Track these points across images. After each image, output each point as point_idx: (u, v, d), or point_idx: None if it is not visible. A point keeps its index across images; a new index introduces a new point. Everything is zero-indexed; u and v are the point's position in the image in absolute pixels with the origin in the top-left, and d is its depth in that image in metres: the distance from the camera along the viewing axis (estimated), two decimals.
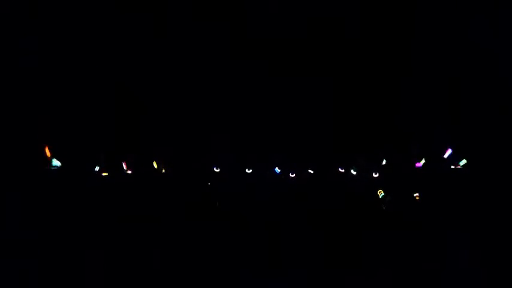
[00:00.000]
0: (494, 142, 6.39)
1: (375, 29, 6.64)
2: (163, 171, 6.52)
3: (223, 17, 6.62)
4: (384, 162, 6.54)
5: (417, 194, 6.40)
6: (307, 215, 6.36)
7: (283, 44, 6.65)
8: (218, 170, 6.56)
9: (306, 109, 6.69)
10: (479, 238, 6.01)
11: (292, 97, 6.69)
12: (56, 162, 6.35)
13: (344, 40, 6.67)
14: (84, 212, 6.22)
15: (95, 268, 5.87)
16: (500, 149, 6.36)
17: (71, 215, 6.19)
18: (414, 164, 6.48)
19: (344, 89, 6.68)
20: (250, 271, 5.90)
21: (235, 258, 6.02)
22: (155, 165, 6.51)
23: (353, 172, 6.54)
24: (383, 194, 6.40)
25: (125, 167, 6.50)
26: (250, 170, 6.58)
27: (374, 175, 6.51)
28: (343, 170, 6.55)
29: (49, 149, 6.31)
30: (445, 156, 6.43)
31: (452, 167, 6.44)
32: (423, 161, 6.49)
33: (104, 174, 6.44)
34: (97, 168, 6.44)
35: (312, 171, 6.57)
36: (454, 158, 6.46)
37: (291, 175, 6.58)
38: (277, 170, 6.55)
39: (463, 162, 6.41)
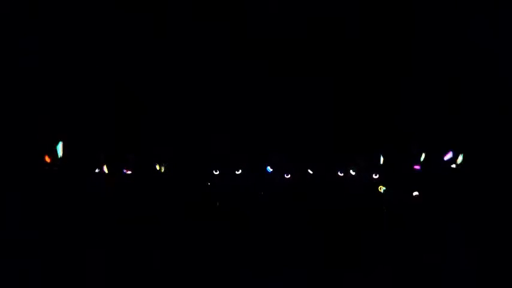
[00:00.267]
0: (494, 142, 6.39)
1: (374, 29, 6.64)
2: (163, 169, 6.52)
3: (223, 17, 6.62)
4: (384, 162, 6.54)
5: (416, 193, 6.40)
6: (307, 215, 6.36)
7: (283, 44, 6.65)
8: (218, 171, 6.56)
9: (306, 109, 6.68)
10: (479, 237, 6.02)
11: (292, 97, 6.68)
12: (59, 150, 6.34)
13: (344, 40, 6.67)
14: (84, 212, 6.22)
15: (96, 268, 5.87)
16: (500, 149, 6.36)
17: (71, 215, 6.19)
18: (413, 165, 6.47)
19: (344, 89, 6.67)
20: (250, 271, 5.90)
21: (235, 258, 6.02)
22: (158, 167, 6.51)
23: (353, 172, 6.54)
24: (384, 189, 6.40)
25: (125, 167, 6.50)
26: (250, 170, 6.58)
27: (373, 175, 6.51)
28: (343, 171, 6.55)
29: (49, 156, 6.33)
30: (445, 158, 6.43)
31: (452, 166, 6.44)
32: (422, 160, 6.48)
33: (105, 171, 6.44)
34: (97, 169, 6.44)
35: (312, 171, 6.57)
36: (453, 158, 6.46)
37: (290, 174, 6.58)
38: (268, 169, 6.55)
39: (460, 159, 6.41)
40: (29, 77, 6.46)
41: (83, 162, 6.44)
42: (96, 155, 6.47)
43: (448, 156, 6.43)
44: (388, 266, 5.95)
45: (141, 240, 6.07)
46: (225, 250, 6.08)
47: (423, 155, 6.49)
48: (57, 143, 6.32)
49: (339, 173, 6.54)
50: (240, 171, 6.57)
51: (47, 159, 6.31)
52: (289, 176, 6.56)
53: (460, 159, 6.42)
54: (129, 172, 6.51)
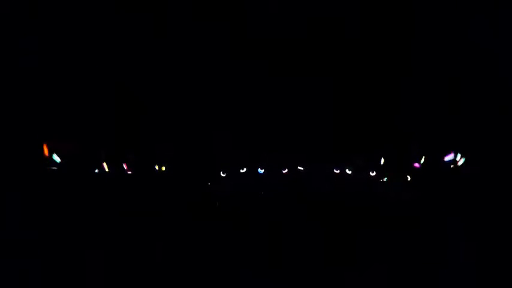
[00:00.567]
0: (494, 142, 6.39)
1: (374, 29, 6.64)
2: (163, 168, 6.52)
3: (223, 17, 6.62)
4: (383, 162, 6.54)
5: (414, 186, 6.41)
6: (308, 215, 6.36)
7: (283, 44, 6.65)
8: (218, 170, 6.56)
9: (306, 109, 6.68)
10: (478, 237, 6.02)
11: (292, 97, 6.68)
12: (56, 158, 6.35)
13: (344, 40, 6.67)
14: (85, 212, 6.22)
15: (96, 268, 5.87)
16: (500, 149, 6.36)
17: (71, 214, 6.19)
18: (413, 164, 6.48)
19: (344, 89, 6.67)
20: (250, 271, 5.91)
21: (235, 258, 6.02)
22: (157, 167, 6.51)
23: (353, 172, 6.54)
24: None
25: (125, 167, 6.50)
26: (250, 170, 6.58)
27: (372, 174, 6.51)
28: (343, 170, 6.56)
29: (47, 146, 6.32)
30: (446, 159, 6.44)
31: (452, 166, 6.45)
32: (422, 161, 6.49)
33: (106, 169, 6.45)
34: (97, 169, 6.44)
35: (312, 171, 6.57)
36: (453, 158, 6.46)
37: (290, 174, 6.59)
38: (260, 171, 6.56)
39: (462, 161, 6.42)
40: (29, 77, 6.45)
41: (83, 162, 6.44)
42: (97, 154, 6.47)
43: (450, 157, 6.43)
44: (389, 266, 5.95)
45: (141, 240, 6.07)
46: (225, 250, 6.08)
47: (423, 155, 6.50)
48: (53, 152, 6.34)
49: (339, 173, 6.54)
50: (240, 171, 6.57)
51: (45, 150, 6.31)
52: (289, 174, 6.56)
53: (460, 159, 6.42)
54: (129, 172, 6.52)
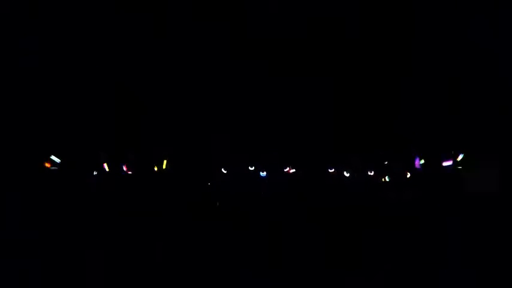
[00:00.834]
0: (494, 142, 6.39)
1: (375, 29, 6.64)
2: (164, 167, 6.52)
3: (223, 17, 6.62)
4: (383, 162, 6.54)
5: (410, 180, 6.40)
6: (308, 215, 6.36)
7: (283, 44, 6.65)
8: (218, 170, 6.56)
9: (306, 109, 6.68)
10: (479, 238, 6.02)
11: (292, 97, 6.68)
12: (55, 159, 6.35)
13: (344, 40, 6.67)
14: (85, 212, 6.22)
15: (96, 268, 5.87)
16: (500, 149, 6.36)
17: (71, 214, 6.19)
18: (413, 165, 6.48)
19: (344, 89, 6.68)
20: (250, 271, 5.90)
21: (235, 258, 6.02)
22: (157, 166, 6.51)
23: (352, 173, 6.54)
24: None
25: (125, 167, 6.50)
26: (250, 170, 6.58)
27: (372, 175, 6.51)
28: (342, 170, 6.56)
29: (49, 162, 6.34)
30: (446, 159, 6.44)
31: (451, 163, 6.45)
32: (422, 161, 6.49)
33: (106, 169, 6.45)
34: (97, 169, 6.44)
35: (312, 171, 6.57)
36: (453, 158, 6.47)
37: (290, 174, 6.59)
38: (262, 174, 6.56)
39: (461, 160, 6.42)
40: (29, 77, 6.46)
41: (83, 162, 6.44)
42: (97, 154, 6.47)
43: (449, 156, 6.43)
44: (389, 266, 5.95)
45: (141, 240, 6.07)
46: (225, 250, 6.08)
47: (423, 155, 6.50)
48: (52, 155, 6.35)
49: (339, 173, 6.54)
50: (239, 171, 6.57)
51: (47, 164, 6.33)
52: (289, 175, 6.56)
53: (459, 159, 6.43)
54: (130, 172, 6.51)
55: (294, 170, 6.59)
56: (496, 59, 6.50)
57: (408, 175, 6.51)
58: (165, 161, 6.51)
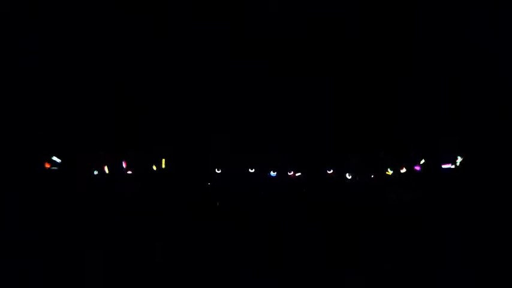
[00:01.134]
0: (494, 142, 6.39)
1: (375, 29, 6.64)
2: (164, 166, 6.53)
3: (223, 17, 6.62)
4: (384, 162, 6.54)
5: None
6: (308, 215, 6.36)
7: (283, 44, 6.65)
8: (218, 170, 6.56)
9: (306, 109, 6.68)
10: (480, 238, 6.02)
11: (292, 97, 6.68)
12: (55, 159, 6.35)
13: (344, 40, 6.67)
14: (84, 212, 6.22)
15: (96, 268, 5.87)
16: (500, 149, 6.36)
17: (71, 214, 6.19)
18: (413, 166, 6.48)
19: (344, 89, 6.67)
20: (250, 271, 5.91)
21: (235, 258, 6.02)
22: (157, 166, 6.51)
23: (352, 173, 6.54)
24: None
25: (124, 166, 6.50)
26: (250, 170, 6.58)
27: (372, 175, 6.51)
28: (342, 171, 6.56)
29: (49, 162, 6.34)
30: (445, 159, 6.44)
31: (451, 166, 6.45)
32: (422, 162, 6.49)
33: (106, 169, 6.45)
34: (97, 169, 6.44)
35: (312, 172, 6.57)
36: (452, 158, 6.47)
37: (291, 174, 6.59)
38: (272, 173, 6.56)
39: (460, 160, 6.42)
40: (29, 77, 6.45)
41: (83, 162, 6.44)
42: (97, 154, 6.47)
43: (448, 156, 6.44)
44: (390, 266, 5.95)
45: (141, 241, 6.07)
46: (225, 250, 6.08)
47: (423, 155, 6.50)
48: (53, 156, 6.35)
49: (339, 174, 6.55)
50: (240, 171, 6.57)
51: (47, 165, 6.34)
52: (290, 175, 6.56)
53: (459, 159, 6.43)
54: (129, 172, 6.52)
55: (299, 174, 6.60)
56: (496, 59, 6.50)
57: (408, 176, 6.51)
58: (163, 160, 6.51)
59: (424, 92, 6.60)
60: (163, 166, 6.54)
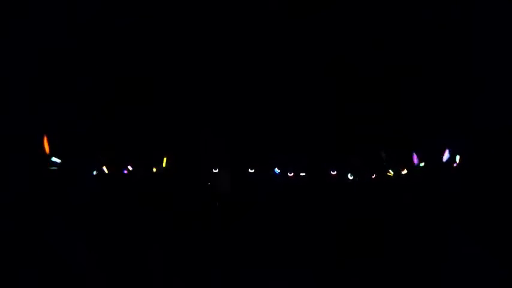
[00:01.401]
0: (495, 142, 6.39)
1: (375, 29, 6.65)
2: (164, 165, 6.54)
3: (223, 17, 6.63)
4: (384, 163, 6.55)
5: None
6: (308, 215, 6.37)
7: (283, 44, 6.66)
8: (218, 171, 6.57)
9: (306, 109, 6.69)
10: (481, 238, 6.03)
11: (292, 97, 6.69)
12: (55, 160, 6.36)
13: (344, 40, 6.68)
14: (84, 212, 6.23)
15: (95, 268, 5.88)
16: (500, 149, 6.37)
17: (71, 215, 6.19)
18: (414, 163, 6.49)
19: (344, 89, 6.69)
20: (250, 271, 5.91)
21: (235, 258, 6.03)
22: (157, 166, 6.52)
23: (353, 173, 6.55)
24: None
25: (124, 166, 6.51)
26: (251, 170, 6.59)
27: (372, 175, 6.52)
28: (342, 171, 6.57)
29: (48, 143, 6.33)
30: (445, 159, 6.45)
31: (452, 166, 6.46)
32: (422, 162, 6.50)
33: (105, 170, 6.46)
34: (96, 169, 6.45)
35: (312, 172, 6.58)
36: (452, 158, 6.48)
37: (291, 175, 6.59)
38: (276, 170, 6.57)
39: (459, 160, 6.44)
40: (29, 77, 6.46)
41: (83, 162, 6.45)
42: (96, 154, 6.48)
43: (448, 156, 6.44)
44: (390, 267, 5.96)
45: (141, 240, 6.08)
46: (225, 250, 6.09)
47: (423, 156, 6.51)
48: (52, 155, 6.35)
49: (340, 174, 6.55)
50: (240, 171, 6.58)
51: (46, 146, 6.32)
52: (291, 175, 6.57)
53: (459, 159, 6.44)
54: (129, 172, 6.52)
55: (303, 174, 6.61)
56: (496, 58, 6.51)
57: (408, 176, 6.52)
58: (164, 159, 6.52)
59: (423, 91, 6.61)
60: (163, 166, 6.55)
